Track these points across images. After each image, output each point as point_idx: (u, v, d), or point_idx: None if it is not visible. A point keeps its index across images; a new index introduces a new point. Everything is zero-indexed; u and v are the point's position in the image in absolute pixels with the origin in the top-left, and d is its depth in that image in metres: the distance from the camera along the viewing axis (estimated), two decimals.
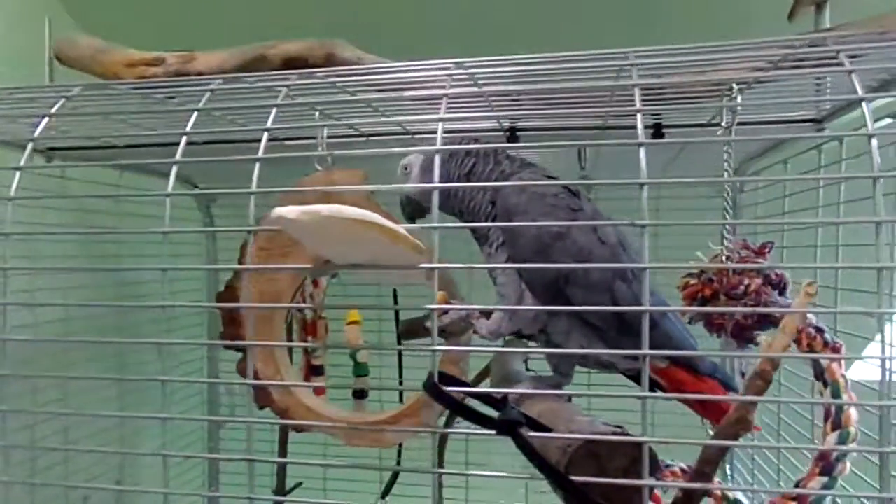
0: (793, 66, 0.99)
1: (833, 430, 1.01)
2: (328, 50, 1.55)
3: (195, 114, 0.99)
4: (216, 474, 2.29)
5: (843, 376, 1.04)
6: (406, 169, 1.14)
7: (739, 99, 1.10)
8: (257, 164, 0.89)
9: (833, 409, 1.02)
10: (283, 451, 1.74)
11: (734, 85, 1.11)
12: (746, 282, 1.08)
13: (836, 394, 1.03)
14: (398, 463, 2.02)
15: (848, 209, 1.28)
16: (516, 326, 0.99)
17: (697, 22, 1.98)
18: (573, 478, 0.66)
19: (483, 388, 1.04)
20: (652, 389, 0.97)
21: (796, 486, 0.99)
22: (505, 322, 0.99)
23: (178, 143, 0.96)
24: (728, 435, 0.68)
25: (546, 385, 1.03)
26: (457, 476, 2.03)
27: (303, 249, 1.29)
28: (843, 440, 0.99)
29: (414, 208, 1.15)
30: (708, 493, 0.72)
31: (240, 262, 1.31)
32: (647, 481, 0.67)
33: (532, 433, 0.69)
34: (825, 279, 1.29)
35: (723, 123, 1.14)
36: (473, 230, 1.06)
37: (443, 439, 1.97)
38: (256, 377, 1.30)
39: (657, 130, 1.42)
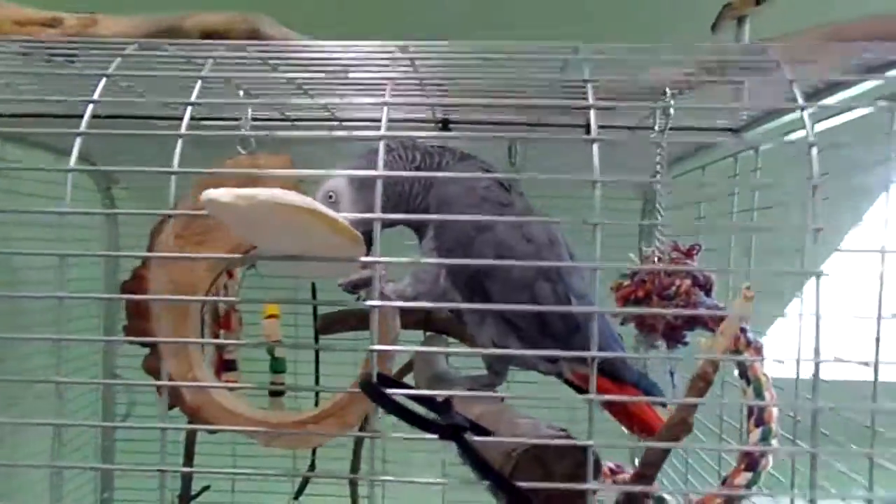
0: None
1: (756, 426, 1.04)
2: (252, 25, 1.45)
3: (103, 80, 0.89)
4: (110, 481, 2.12)
5: (765, 374, 1.07)
6: (331, 197, 1.01)
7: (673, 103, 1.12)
8: (179, 142, 0.80)
9: (755, 407, 1.06)
10: (189, 453, 1.63)
11: (667, 90, 1.13)
12: (678, 283, 1.10)
13: (758, 391, 1.07)
14: (312, 464, 1.95)
15: (761, 215, 1.34)
16: (416, 293, 0.97)
17: (620, 28, 2.02)
18: (519, 483, 0.64)
19: (419, 390, 1.00)
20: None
21: (723, 482, 1.01)
22: (409, 288, 0.96)
23: (75, 115, 0.85)
24: (670, 437, 0.68)
25: (480, 385, 1.00)
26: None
27: (222, 237, 1.20)
28: (765, 436, 1.03)
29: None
30: (648, 495, 0.71)
31: (149, 250, 1.21)
32: (593, 485, 0.65)
33: (475, 437, 0.66)
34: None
35: (656, 126, 1.15)
36: (412, 223, 1.01)
37: (358, 439, 1.92)
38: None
39: (587, 130, 1.43)
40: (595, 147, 0.75)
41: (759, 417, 1.05)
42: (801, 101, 0.79)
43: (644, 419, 0.89)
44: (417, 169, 0.99)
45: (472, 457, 0.64)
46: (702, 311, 1.02)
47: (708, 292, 1.14)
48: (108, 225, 2.13)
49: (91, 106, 0.84)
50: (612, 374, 0.92)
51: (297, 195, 0.64)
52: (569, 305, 0.92)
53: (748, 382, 1.09)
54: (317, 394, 1.87)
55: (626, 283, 1.16)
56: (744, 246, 1.39)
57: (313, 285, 1.74)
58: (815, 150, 0.75)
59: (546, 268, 0.92)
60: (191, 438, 1.65)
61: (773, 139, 1.30)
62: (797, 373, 1.13)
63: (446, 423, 0.65)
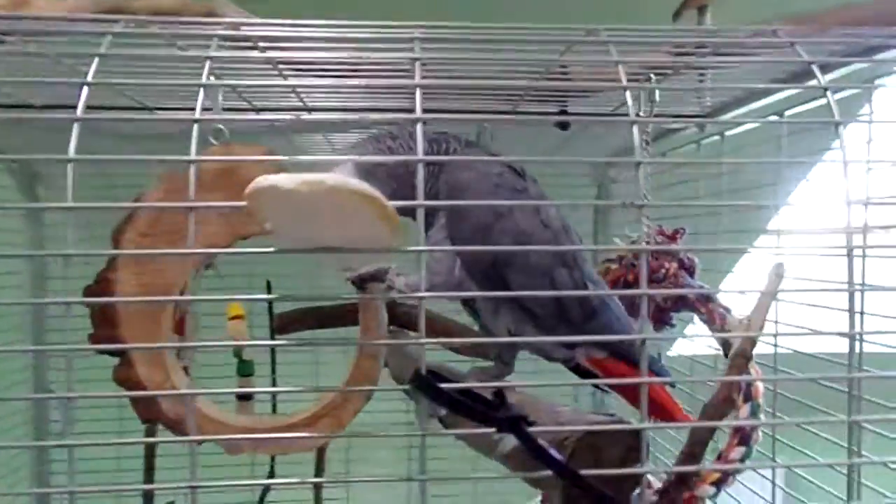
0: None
1: (745, 402, 1.08)
2: (207, 8, 1.37)
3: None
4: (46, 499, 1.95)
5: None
6: None
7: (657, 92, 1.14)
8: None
9: (742, 383, 1.10)
10: (149, 465, 1.53)
11: (651, 74, 1.16)
12: (666, 266, 1.12)
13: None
14: (272, 470, 1.87)
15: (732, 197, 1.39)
16: (436, 283, 0.94)
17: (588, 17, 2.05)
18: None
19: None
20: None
21: (718, 457, 1.04)
22: (425, 279, 0.93)
23: None
24: (715, 415, 0.70)
25: (490, 377, 0.99)
26: (338, 472, 1.94)
27: (202, 233, 1.12)
28: (754, 411, 1.07)
29: None
30: (698, 474, 0.73)
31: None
32: (649, 468, 0.66)
33: (531, 428, 0.64)
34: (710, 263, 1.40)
35: (640, 112, 1.17)
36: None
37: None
38: (140, 386, 1.12)
39: (564, 118, 1.44)
40: (635, 128, 0.74)
41: (746, 393, 1.09)
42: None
43: (659, 401, 0.91)
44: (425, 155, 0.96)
45: (534, 447, 0.63)
46: (713, 292, 1.04)
47: (692, 274, 1.18)
48: (31, 228, 1.95)
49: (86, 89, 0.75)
50: (629, 357, 0.93)
51: (356, 180, 0.60)
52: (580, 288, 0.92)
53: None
54: (274, 398, 1.80)
55: (615, 266, 1.18)
56: (713, 228, 1.44)
57: (268, 283, 1.67)
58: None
59: (563, 254, 0.92)
60: (150, 452, 1.54)
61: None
62: (775, 348, 1.19)
63: (506, 416, 0.63)
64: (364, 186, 0.60)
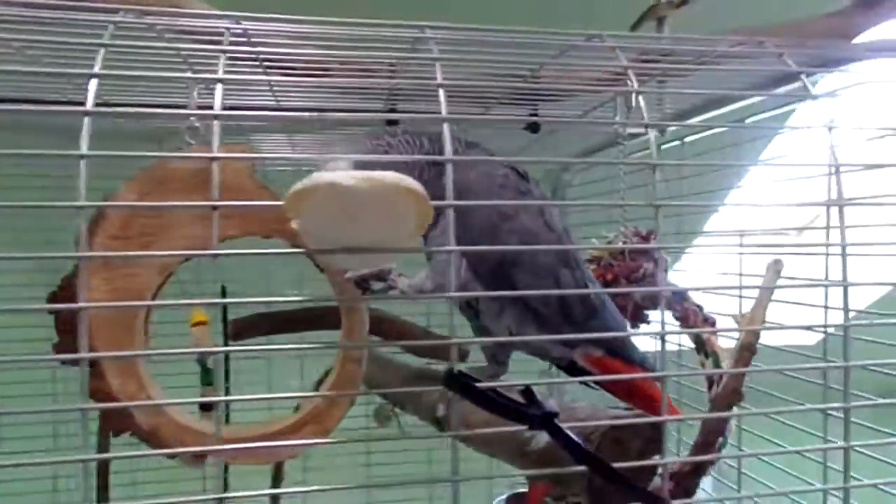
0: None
1: None
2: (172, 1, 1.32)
3: None
4: None
5: (721, 347, 1.18)
6: None
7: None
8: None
9: (714, 377, 1.15)
10: (104, 483, 1.44)
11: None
12: (645, 265, 1.17)
13: (716, 363, 1.17)
14: (225, 483, 1.80)
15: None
16: (434, 287, 0.95)
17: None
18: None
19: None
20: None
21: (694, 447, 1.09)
22: (427, 282, 0.93)
23: None
24: (725, 406, 0.73)
25: (486, 377, 0.99)
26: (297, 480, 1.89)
27: (176, 235, 1.07)
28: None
29: None
30: (713, 463, 0.76)
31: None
32: (669, 460, 0.68)
33: (564, 424, 0.66)
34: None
35: (617, 116, 1.21)
36: None
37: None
38: (112, 398, 1.06)
39: (534, 123, 1.47)
40: (651, 132, 0.76)
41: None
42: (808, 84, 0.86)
43: (650, 396, 0.94)
44: (427, 155, 0.96)
45: (568, 442, 0.64)
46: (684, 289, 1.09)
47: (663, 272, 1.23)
48: None
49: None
50: (623, 355, 0.96)
51: (409, 178, 0.59)
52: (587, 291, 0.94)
53: (706, 356, 1.19)
54: (227, 407, 1.73)
55: (593, 267, 1.21)
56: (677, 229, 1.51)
57: (223, 287, 1.61)
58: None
59: (566, 255, 0.94)
60: (103, 468, 1.46)
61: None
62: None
63: (541, 413, 0.64)
64: (417, 184, 0.59)
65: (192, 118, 1.12)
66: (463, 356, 1.66)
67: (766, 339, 1.24)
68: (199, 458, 1.45)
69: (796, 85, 1.15)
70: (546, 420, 0.64)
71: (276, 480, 1.87)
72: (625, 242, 1.22)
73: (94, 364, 1.05)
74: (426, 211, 0.62)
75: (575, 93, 1.34)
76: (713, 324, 1.20)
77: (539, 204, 0.95)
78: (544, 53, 1.03)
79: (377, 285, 0.97)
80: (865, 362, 0.77)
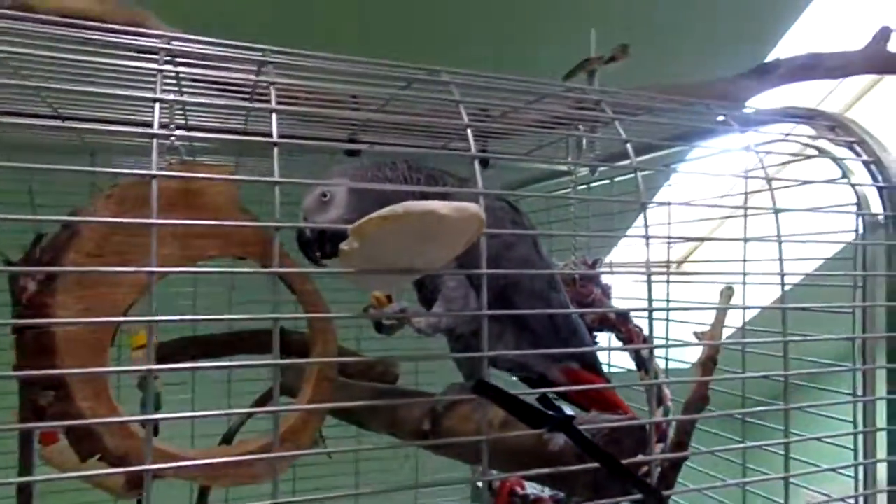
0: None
1: (658, 405, 1.28)
2: (130, 17, 1.31)
3: None
4: None
5: (667, 397, 1.32)
6: (325, 196, 1.02)
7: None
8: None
9: (654, 390, 1.30)
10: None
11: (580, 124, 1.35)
12: (594, 292, 1.30)
13: (666, 412, 1.31)
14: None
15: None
16: (454, 324, 1.00)
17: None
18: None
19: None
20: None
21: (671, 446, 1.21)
22: (444, 318, 1.00)
23: None
24: (696, 409, 0.85)
25: (467, 391, 1.06)
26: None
27: (147, 252, 1.05)
28: (667, 412, 1.27)
29: (332, 243, 1.04)
30: (687, 459, 0.87)
31: (54, 275, 1.01)
32: (656, 457, 0.79)
33: (580, 426, 0.74)
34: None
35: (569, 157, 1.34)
36: None
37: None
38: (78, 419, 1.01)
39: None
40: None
41: (658, 398, 1.30)
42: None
43: (614, 401, 1.06)
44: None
45: (584, 442, 0.73)
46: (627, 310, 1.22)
47: (608, 297, 1.37)
48: None
49: None
50: (596, 368, 1.08)
51: (478, 208, 0.66)
52: (567, 313, 1.05)
53: (646, 371, 1.33)
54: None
55: None
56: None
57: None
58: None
59: (554, 280, 1.04)
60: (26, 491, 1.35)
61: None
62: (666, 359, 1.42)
63: (559, 417, 0.72)
64: (483, 214, 0.66)
65: (172, 138, 1.13)
66: (394, 380, 1.73)
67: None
68: (134, 486, 1.40)
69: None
70: (565, 423, 0.73)
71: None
72: (575, 268, 1.34)
73: (60, 387, 1.01)
74: (477, 237, 0.69)
75: (521, 132, 1.48)
76: (646, 339, 1.35)
77: (532, 234, 1.05)
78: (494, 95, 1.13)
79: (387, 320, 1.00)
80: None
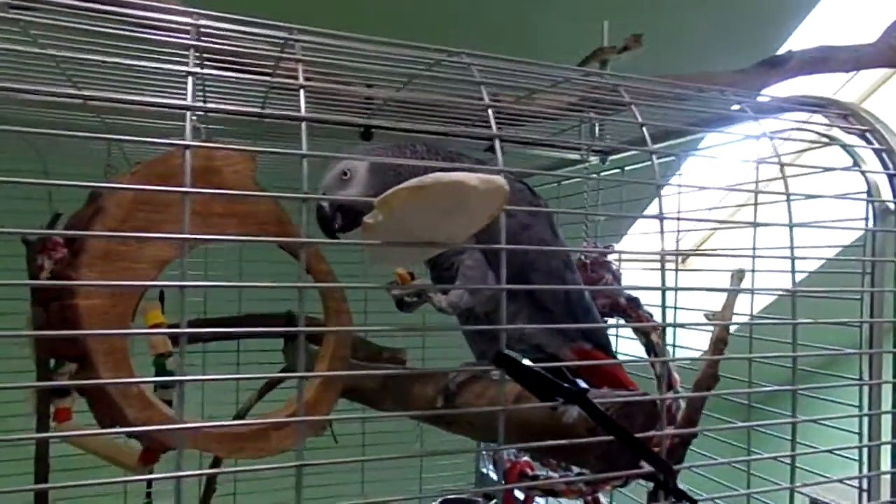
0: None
1: (668, 389, 1.30)
2: None
3: None
4: None
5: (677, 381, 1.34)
6: (346, 174, 1.05)
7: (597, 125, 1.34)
8: None
9: (665, 374, 1.32)
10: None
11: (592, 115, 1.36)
12: (606, 278, 1.32)
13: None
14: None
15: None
16: (473, 303, 1.02)
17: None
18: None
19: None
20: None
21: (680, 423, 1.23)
22: (465, 297, 1.02)
23: None
24: (706, 386, 0.87)
25: (484, 365, 1.08)
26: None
27: (171, 228, 1.07)
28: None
29: (349, 219, 1.06)
30: (696, 436, 0.89)
31: (80, 252, 1.03)
32: (666, 432, 0.81)
33: (595, 399, 0.76)
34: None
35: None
36: None
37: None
38: (103, 393, 1.04)
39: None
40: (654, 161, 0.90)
41: (668, 383, 1.31)
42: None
43: (625, 381, 1.09)
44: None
45: (598, 415, 0.75)
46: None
47: (618, 282, 1.39)
48: None
49: None
50: (607, 347, 1.10)
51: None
52: (579, 291, 1.07)
53: (655, 355, 1.35)
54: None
55: None
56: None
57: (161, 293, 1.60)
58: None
59: (569, 259, 1.06)
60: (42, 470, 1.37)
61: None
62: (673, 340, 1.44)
63: (576, 389, 0.74)
64: (507, 187, 0.68)
65: (193, 118, 1.15)
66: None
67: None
68: (150, 459, 1.43)
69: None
70: (579, 395, 0.75)
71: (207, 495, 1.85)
72: (587, 256, 1.36)
73: (84, 358, 1.03)
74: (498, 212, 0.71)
75: (533, 118, 1.49)
76: (661, 330, 1.37)
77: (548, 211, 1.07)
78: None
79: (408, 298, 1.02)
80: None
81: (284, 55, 0.87)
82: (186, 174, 0.67)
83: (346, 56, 0.95)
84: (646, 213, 1.42)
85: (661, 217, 0.82)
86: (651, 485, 0.89)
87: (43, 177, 1.64)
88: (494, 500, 2.02)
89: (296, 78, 0.86)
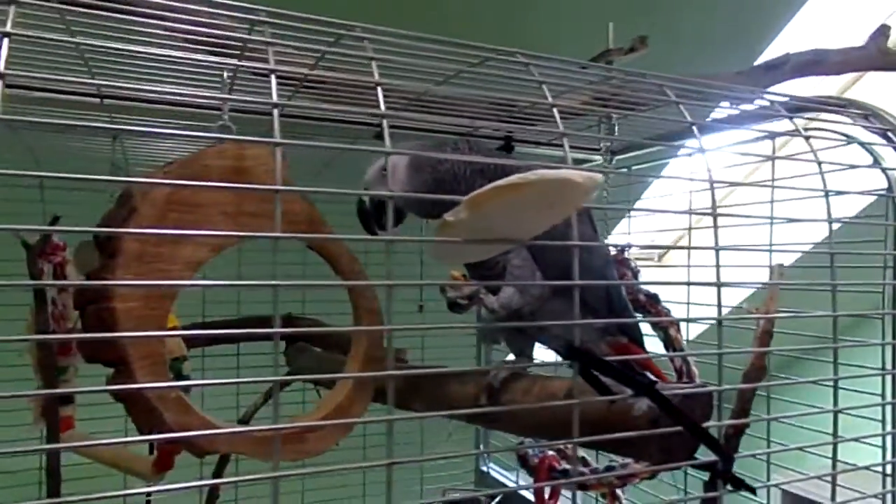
0: None
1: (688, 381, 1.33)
2: None
3: None
4: None
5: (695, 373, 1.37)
6: (385, 171, 1.05)
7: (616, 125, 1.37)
8: None
9: (683, 367, 1.35)
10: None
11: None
12: (626, 275, 1.34)
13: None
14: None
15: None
16: (523, 303, 1.03)
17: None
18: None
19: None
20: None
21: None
22: (516, 297, 1.02)
23: None
24: (756, 378, 0.90)
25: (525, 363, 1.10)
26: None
27: (201, 224, 1.05)
28: None
29: (393, 217, 1.05)
30: (747, 426, 0.92)
31: (115, 254, 1.01)
32: (718, 423, 0.84)
33: (663, 390, 0.78)
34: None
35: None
36: None
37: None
38: (141, 397, 1.01)
39: (507, 142, 1.61)
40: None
41: (687, 376, 1.35)
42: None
43: (659, 374, 1.12)
44: (454, 172, 1.05)
45: (669, 407, 0.76)
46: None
47: (636, 278, 1.42)
48: None
49: None
50: (640, 341, 1.13)
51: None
52: (617, 288, 1.09)
53: (673, 349, 1.38)
54: None
55: None
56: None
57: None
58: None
59: (608, 256, 1.07)
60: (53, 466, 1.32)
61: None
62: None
63: (647, 382, 0.76)
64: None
65: (224, 117, 1.13)
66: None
67: None
68: (165, 466, 1.40)
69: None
70: (650, 387, 0.76)
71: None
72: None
73: (122, 363, 1.00)
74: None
75: (546, 117, 1.51)
76: (678, 325, 1.40)
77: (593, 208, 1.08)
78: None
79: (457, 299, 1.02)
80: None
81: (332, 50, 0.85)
82: (278, 172, 0.66)
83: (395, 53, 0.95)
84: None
85: (714, 214, 0.85)
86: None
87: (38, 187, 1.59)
88: (496, 500, 2.04)
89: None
